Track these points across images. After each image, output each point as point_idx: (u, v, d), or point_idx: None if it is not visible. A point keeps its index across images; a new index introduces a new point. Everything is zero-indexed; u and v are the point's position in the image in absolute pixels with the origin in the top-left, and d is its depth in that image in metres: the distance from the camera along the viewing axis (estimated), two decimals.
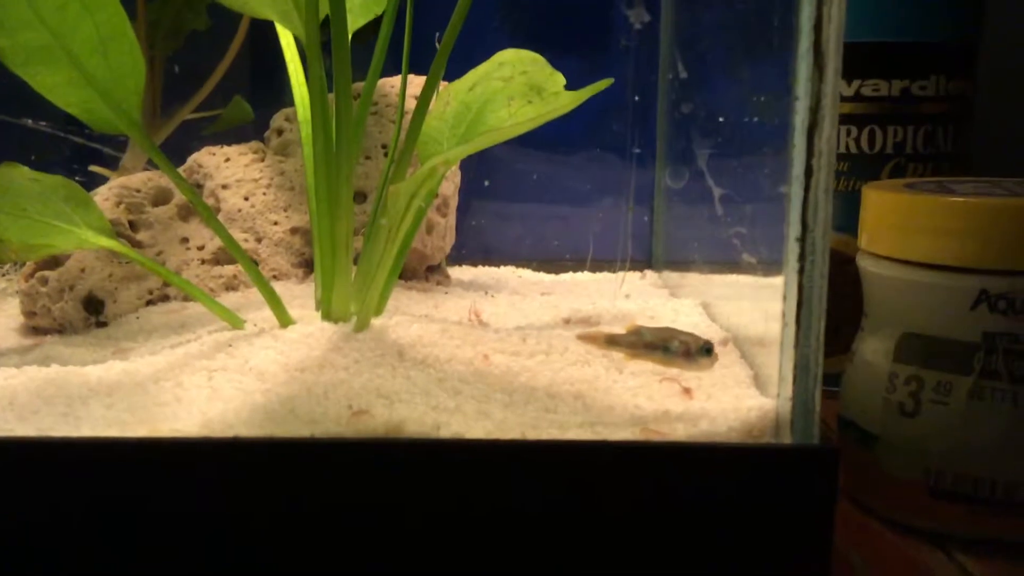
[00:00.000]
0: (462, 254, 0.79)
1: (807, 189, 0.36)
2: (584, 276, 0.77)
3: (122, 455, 0.38)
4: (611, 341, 0.44)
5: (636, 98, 0.73)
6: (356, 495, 0.38)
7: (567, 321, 0.58)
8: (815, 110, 0.36)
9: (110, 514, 0.38)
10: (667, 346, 0.43)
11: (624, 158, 0.77)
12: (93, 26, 0.47)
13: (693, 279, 0.64)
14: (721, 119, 0.56)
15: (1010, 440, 0.42)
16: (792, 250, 0.37)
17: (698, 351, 0.42)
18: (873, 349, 0.46)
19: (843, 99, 0.61)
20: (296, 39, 0.56)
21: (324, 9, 0.48)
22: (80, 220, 0.51)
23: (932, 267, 0.43)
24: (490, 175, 0.78)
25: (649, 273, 0.77)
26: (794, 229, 0.37)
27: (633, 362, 0.45)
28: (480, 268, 0.79)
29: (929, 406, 0.43)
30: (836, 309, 0.59)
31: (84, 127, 0.53)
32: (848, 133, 0.61)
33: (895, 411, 0.44)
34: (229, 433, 0.39)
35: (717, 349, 0.44)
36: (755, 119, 0.47)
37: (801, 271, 0.37)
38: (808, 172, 0.36)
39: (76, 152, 0.74)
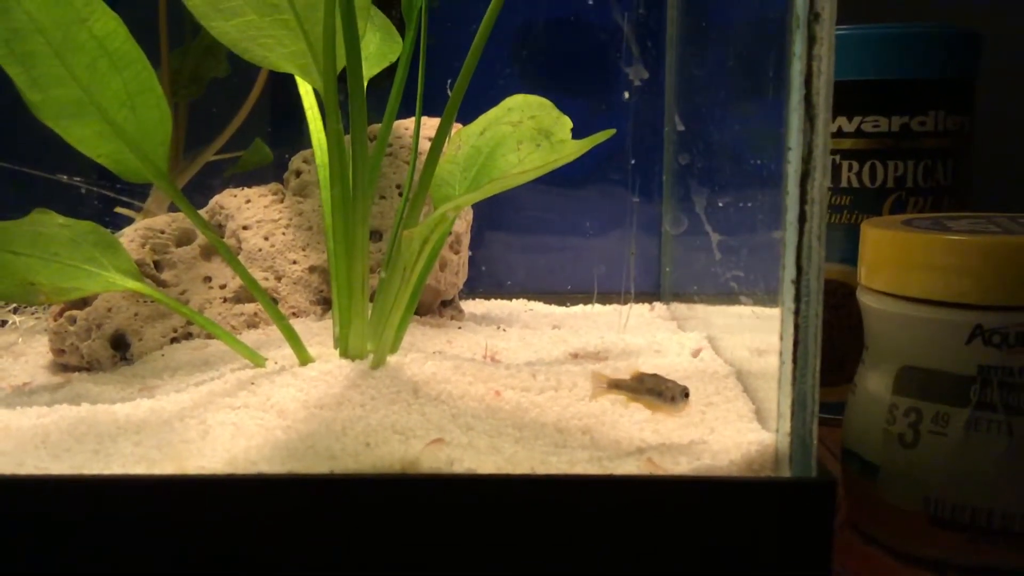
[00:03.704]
0: (475, 288, 0.81)
1: (801, 234, 0.38)
2: (594, 309, 0.79)
3: (152, 492, 0.40)
4: (614, 385, 0.47)
5: (642, 139, 0.75)
6: (373, 529, 0.40)
7: (575, 356, 0.60)
8: (807, 160, 0.38)
9: (145, 550, 0.40)
10: (660, 391, 0.45)
11: (633, 194, 0.78)
12: (121, 82, 0.49)
13: (700, 311, 0.66)
14: (722, 163, 0.58)
15: (1006, 470, 0.43)
16: (788, 291, 0.39)
17: (679, 396, 0.45)
18: (874, 381, 0.47)
19: (844, 135, 0.63)
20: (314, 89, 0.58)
21: (341, 62, 0.51)
22: (108, 264, 0.53)
23: (928, 303, 0.45)
24: (501, 212, 0.80)
25: (658, 305, 0.78)
26: (789, 272, 0.39)
27: (633, 404, 0.47)
28: (492, 302, 0.81)
29: (928, 437, 0.45)
30: (841, 340, 0.61)
31: (111, 177, 0.54)
32: (850, 168, 0.63)
33: (895, 442, 0.46)
34: (253, 470, 0.41)
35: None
36: (753, 165, 0.48)
37: (797, 312, 0.39)
38: (802, 218, 0.38)
39: (98, 197, 0.76)
